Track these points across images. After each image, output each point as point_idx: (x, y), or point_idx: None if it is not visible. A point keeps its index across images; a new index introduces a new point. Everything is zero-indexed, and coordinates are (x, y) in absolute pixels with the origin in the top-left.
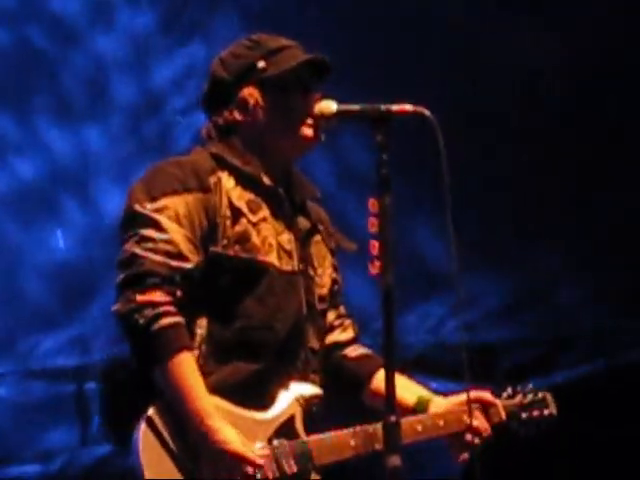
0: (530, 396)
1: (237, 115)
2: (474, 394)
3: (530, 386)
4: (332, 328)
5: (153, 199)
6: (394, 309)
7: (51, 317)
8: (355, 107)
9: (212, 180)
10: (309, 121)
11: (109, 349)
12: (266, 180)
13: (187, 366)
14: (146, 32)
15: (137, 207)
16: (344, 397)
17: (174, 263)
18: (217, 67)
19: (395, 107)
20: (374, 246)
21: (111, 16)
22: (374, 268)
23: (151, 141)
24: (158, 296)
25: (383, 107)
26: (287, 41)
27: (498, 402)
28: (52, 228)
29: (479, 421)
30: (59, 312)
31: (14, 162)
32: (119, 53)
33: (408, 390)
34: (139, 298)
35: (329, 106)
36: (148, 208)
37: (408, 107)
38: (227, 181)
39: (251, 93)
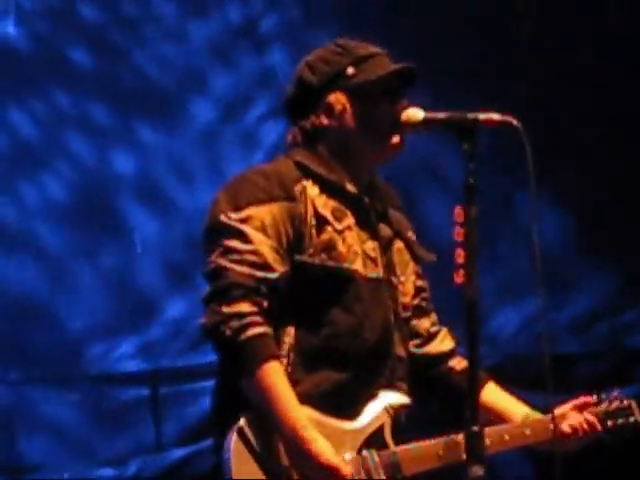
0: (615, 403)
1: (324, 120)
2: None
3: (615, 393)
4: (430, 337)
5: (238, 209)
6: (479, 319)
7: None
8: (441, 115)
9: (297, 189)
10: (396, 129)
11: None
12: (350, 188)
13: (276, 375)
14: None
15: (222, 217)
16: (449, 410)
17: (259, 274)
18: (305, 71)
19: (482, 116)
20: (459, 255)
21: None
22: (459, 277)
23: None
24: (244, 307)
25: (470, 115)
26: (375, 49)
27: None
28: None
29: (574, 422)
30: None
31: None
32: None
33: (516, 408)
34: (225, 310)
35: (416, 114)
36: (233, 218)
37: (495, 116)
38: (312, 189)
39: (338, 99)
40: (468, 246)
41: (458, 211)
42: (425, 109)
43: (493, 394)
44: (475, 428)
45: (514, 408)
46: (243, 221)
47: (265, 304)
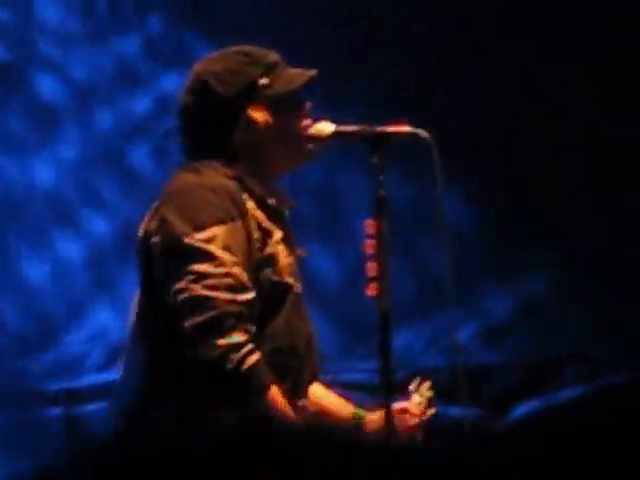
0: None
1: (244, 134)
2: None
3: (418, 382)
4: None
5: (200, 228)
6: (391, 332)
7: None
8: (351, 128)
9: (244, 204)
10: (310, 138)
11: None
12: (271, 201)
13: (281, 400)
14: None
15: (185, 239)
16: None
17: (240, 297)
18: (213, 83)
19: (391, 128)
20: (371, 268)
21: None
22: (371, 290)
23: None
24: (238, 337)
25: (379, 128)
26: (275, 54)
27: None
28: None
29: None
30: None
31: None
32: None
33: (343, 406)
34: (221, 342)
35: (326, 127)
36: (197, 239)
37: (405, 128)
38: (250, 203)
39: (260, 112)
40: (380, 259)
41: (369, 224)
42: (335, 122)
43: (319, 392)
44: None
45: (340, 407)
46: (208, 241)
47: (252, 328)
